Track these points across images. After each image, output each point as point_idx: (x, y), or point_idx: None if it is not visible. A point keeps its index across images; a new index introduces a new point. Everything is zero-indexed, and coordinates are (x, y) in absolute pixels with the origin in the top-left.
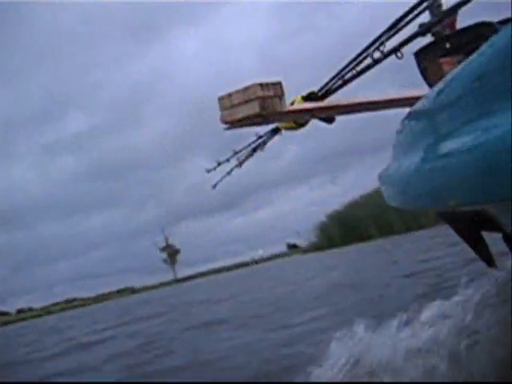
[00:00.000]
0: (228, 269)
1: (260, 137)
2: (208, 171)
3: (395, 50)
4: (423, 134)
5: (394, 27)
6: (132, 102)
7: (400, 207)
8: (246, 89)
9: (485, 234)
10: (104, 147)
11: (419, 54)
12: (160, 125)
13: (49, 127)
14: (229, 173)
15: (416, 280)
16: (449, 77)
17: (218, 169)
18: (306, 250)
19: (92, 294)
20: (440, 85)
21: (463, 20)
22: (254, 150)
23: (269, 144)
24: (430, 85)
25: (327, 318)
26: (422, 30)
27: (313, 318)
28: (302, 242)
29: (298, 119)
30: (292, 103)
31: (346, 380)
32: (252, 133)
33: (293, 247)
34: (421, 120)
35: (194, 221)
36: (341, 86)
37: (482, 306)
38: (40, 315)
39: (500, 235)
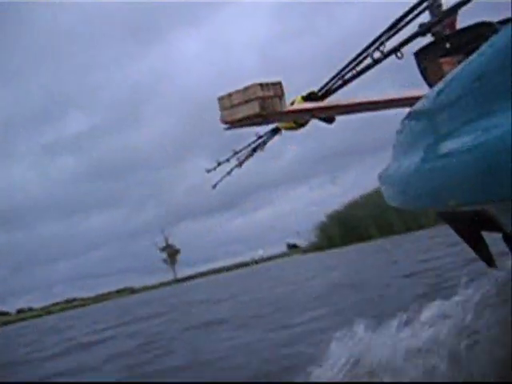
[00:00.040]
0: (228, 269)
1: (260, 137)
2: (208, 171)
3: (395, 50)
4: (423, 134)
5: (394, 27)
6: (132, 102)
7: (400, 207)
8: (246, 89)
9: (485, 234)
10: (104, 147)
11: (419, 54)
12: (160, 125)
13: (49, 127)
14: (229, 173)
15: (416, 280)
16: (449, 77)
17: (218, 169)
18: (306, 250)
19: (92, 294)
20: (440, 85)
21: (463, 20)
22: (254, 150)
23: (269, 144)
24: (430, 85)
25: (327, 317)
26: (422, 30)
27: (313, 318)
28: (301, 242)
29: (298, 119)
30: (292, 103)
31: (345, 380)
32: (252, 133)
33: (293, 247)
34: (421, 120)
35: (194, 221)
36: (341, 86)
37: (482, 306)
38: (40, 315)
39: (500, 235)
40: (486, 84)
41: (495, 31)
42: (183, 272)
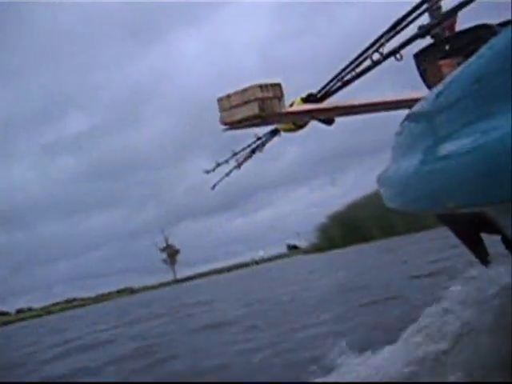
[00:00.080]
0: (228, 269)
1: (259, 138)
2: (207, 172)
3: (395, 51)
4: (422, 136)
5: (394, 29)
6: (132, 102)
7: (399, 209)
8: (245, 90)
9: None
10: (104, 147)
11: (418, 56)
12: (160, 125)
13: (49, 127)
14: (227, 174)
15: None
16: (448, 79)
17: (217, 170)
18: (306, 251)
19: (92, 294)
20: (439, 87)
21: (463, 22)
22: (253, 151)
23: (268, 145)
24: (429, 87)
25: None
26: (422, 32)
27: (316, 323)
28: (302, 243)
29: (297, 121)
30: (291, 105)
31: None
32: (251, 134)
33: (293, 248)
34: (420, 122)
35: (194, 221)
36: (340, 88)
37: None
38: (39, 315)
39: (499, 237)
40: (485, 86)
41: (494, 33)
42: (183, 272)
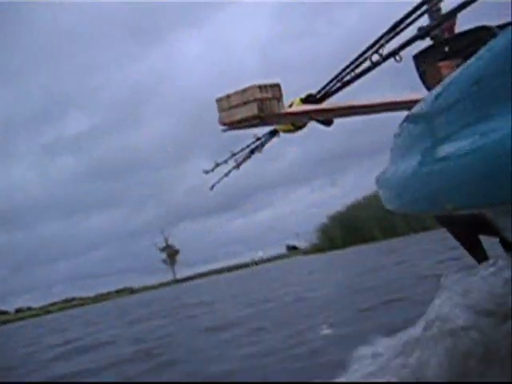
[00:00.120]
0: (228, 270)
1: (258, 139)
2: (206, 172)
3: (394, 53)
4: (421, 138)
5: (393, 30)
6: (132, 102)
7: (397, 211)
8: (245, 90)
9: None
10: (104, 147)
11: (418, 58)
12: (160, 125)
13: (49, 127)
14: (226, 174)
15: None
16: (447, 80)
17: (216, 170)
18: (306, 252)
19: (91, 294)
20: (438, 88)
21: (462, 24)
22: (252, 151)
23: (267, 146)
24: (429, 88)
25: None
26: (421, 34)
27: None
28: (301, 244)
29: (296, 121)
30: (290, 105)
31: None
32: (250, 135)
33: (292, 249)
34: (419, 123)
35: (194, 221)
36: (339, 89)
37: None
38: (39, 314)
39: (497, 239)
40: (484, 88)
41: (494, 35)
42: (182, 272)
